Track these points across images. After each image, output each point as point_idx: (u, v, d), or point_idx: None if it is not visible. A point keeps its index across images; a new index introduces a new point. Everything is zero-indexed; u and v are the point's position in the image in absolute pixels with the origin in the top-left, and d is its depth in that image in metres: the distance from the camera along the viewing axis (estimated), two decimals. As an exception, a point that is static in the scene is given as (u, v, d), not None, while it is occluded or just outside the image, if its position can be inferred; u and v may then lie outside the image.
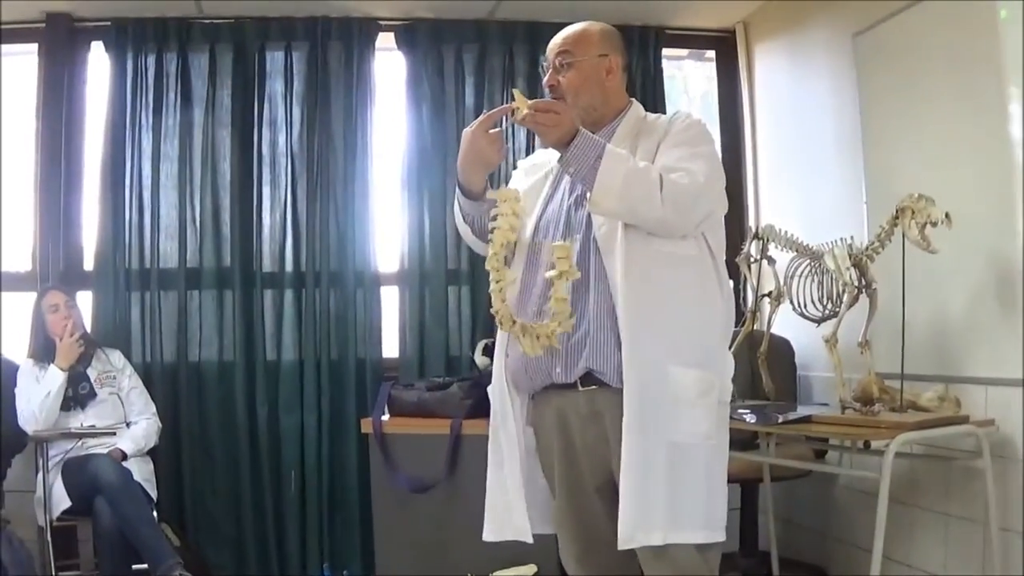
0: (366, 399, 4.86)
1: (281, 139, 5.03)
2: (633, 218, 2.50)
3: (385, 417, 4.36)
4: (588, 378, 2.56)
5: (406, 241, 5.10)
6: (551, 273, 2.48)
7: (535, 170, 2.83)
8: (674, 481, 2.46)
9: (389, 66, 5.22)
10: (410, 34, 5.16)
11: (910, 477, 3.88)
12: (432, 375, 4.81)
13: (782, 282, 3.98)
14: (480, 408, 3.99)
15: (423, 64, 5.15)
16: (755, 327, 4.15)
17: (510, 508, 2.67)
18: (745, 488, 4.61)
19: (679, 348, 2.51)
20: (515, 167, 2.95)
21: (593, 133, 2.56)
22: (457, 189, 2.69)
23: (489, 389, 2.80)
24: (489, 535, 2.72)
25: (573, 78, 2.67)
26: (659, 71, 5.33)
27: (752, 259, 4.13)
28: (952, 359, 3.75)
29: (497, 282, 2.59)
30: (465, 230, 2.80)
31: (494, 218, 2.60)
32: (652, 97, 5.24)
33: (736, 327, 3.35)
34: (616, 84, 2.73)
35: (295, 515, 4.90)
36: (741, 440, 3.68)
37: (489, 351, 4.56)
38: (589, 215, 2.59)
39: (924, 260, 3.49)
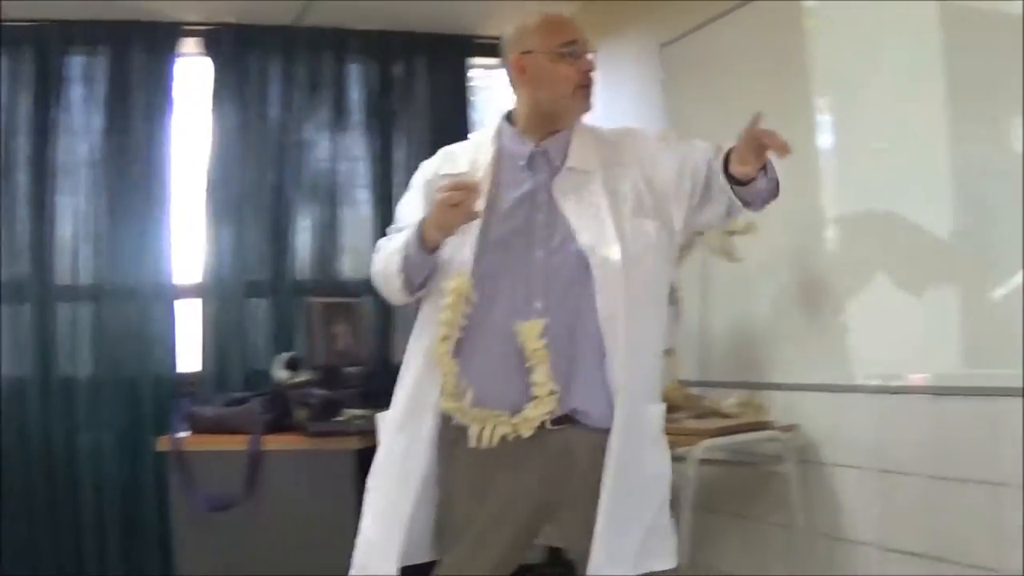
0: (162, 416, 4.58)
1: (80, 147, 4.75)
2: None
3: (183, 434, 4.11)
4: (564, 418, 2.35)
5: (206, 252, 4.88)
6: (530, 364, 2.28)
7: (457, 169, 2.49)
8: (646, 513, 2.37)
9: (194, 72, 4.99)
10: (215, 39, 4.94)
11: (717, 484, 3.85)
12: (231, 390, 4.60)
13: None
14: (280, 423, 3.82)
15: (228, 70, 4.94)
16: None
17: (389, 540, 2.41)
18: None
19: (652, 383, 2.44)
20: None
21: (548, 137, 2.44)
22: (410, 244, 2.36)
23: (399, 399, 2.50)
24: (357, 570, 2.47)
25: None
26: (468, 80, 5.27)
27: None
28: (756, 365, 3.76)
29: (444, 339, 2.32)
30: (396, 282, 2.43)
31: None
32: (460, 106, 5.19)
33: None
34: None
35: (93, 537, 4.62)
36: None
37: (292, 364, 4.37)
38: (566, 227, 2.36)
39: (730, 266, 3.47)
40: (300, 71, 5.02)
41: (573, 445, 2.35)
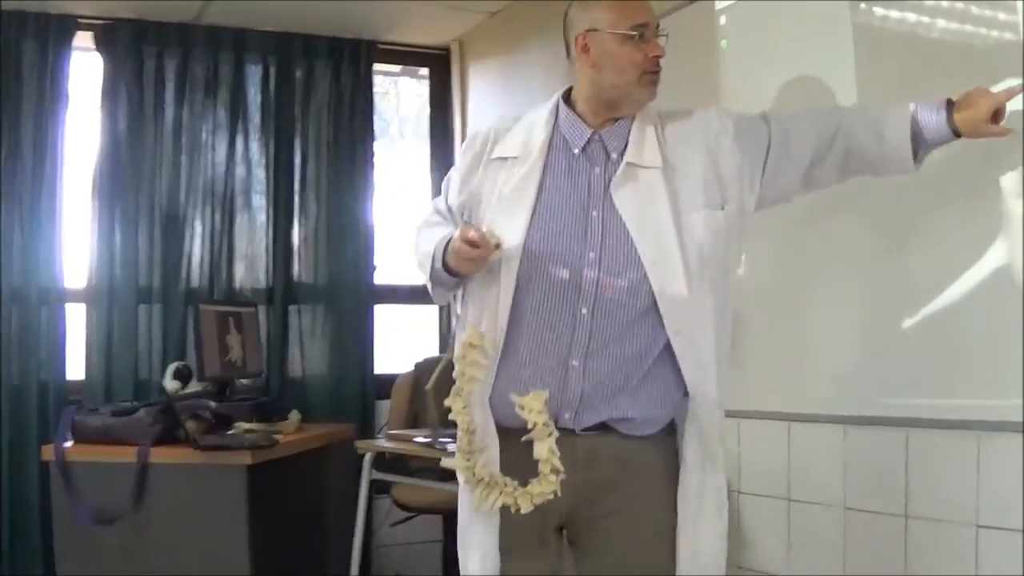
0: (48, 424, 4.45)
1: (-37, 145, 4.53)
2: None
3: (68, 444, 3.93)
4: (598, 424, 2.23)
5: (95, 256, 4.69)
6: (528, 437, 2.08)
7: (506, 165, 2.32)
8: (721, 524, 2.28)
9: (87, 68, 4.79)
10: (110, 34, 4.76)
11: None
12: (119, 399, 4.43)
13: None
14: (169, 435, 3.67)
15: (122, 67, 4.75)
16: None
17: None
18: (446, 519, 4.45)
19: (718, 388, 2.26)
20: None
21: (611, 124, 2.29)
22: (436, 260, 2.29)
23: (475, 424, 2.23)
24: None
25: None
26: (370, 86, 5.18)
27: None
28: None
29: (457, 395, 2.15)
30: (429, 286, 2.39)
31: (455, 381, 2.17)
32: (363, 113, 5.10)
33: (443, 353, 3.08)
34: None
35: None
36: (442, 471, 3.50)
37: (183, 374, 4.23)
38: (623, 230, 2.21)
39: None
40: (197, 70, 4.86)
41: (598, 453, 2.25)
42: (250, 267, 4.91)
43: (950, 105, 2.22)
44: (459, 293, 2.37)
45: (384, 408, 4.89)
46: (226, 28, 4.88)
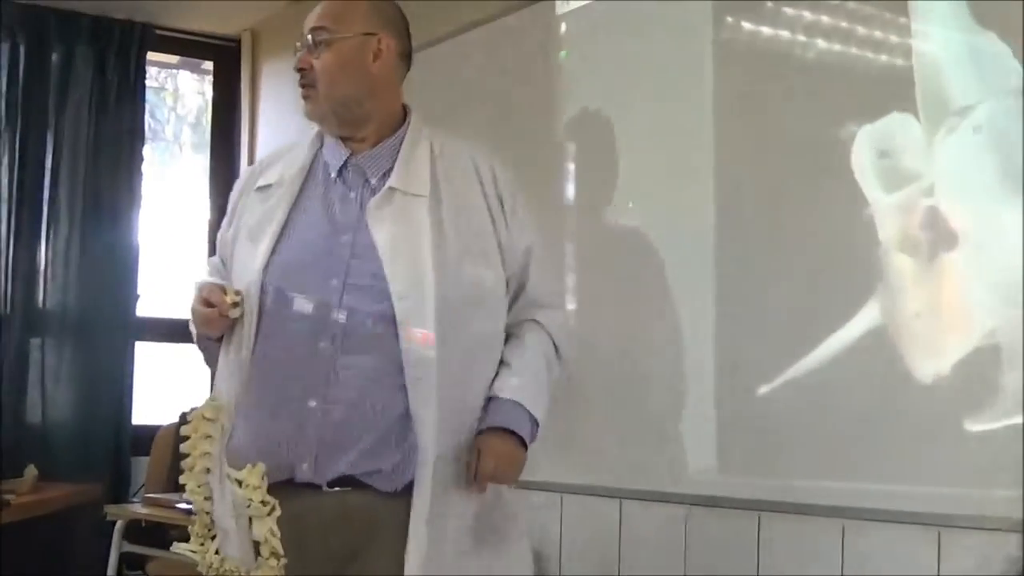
0: None
1: None
2: None
3: None
4: (344, 479, 2.19)
5: None
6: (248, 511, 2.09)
7: (264, 194, 2.34)
8: None
9: None
10: None
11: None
12: None
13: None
14: None
15: None
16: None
17: None
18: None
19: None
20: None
21: (370, 146, 2.28)
22: (198, 335, 2.33)
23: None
24: None
25: (330, 60, 2.26)
26: (141, 78, 5.00)
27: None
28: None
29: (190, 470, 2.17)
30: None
31: (184, 456, 2.19)
32: (131, 110, 4.94)
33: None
34: (388, 74, 2.34)
35: None
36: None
37: None
38: (374, 259, 2.18)
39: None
40: None
41: (358, 510, 2.20)
42: (-16, 287, 4.59)
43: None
44: None
45: (142, 466, 4.72)
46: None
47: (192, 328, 2.32)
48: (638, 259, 3.16)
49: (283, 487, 2.14)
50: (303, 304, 2.19)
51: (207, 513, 2.16)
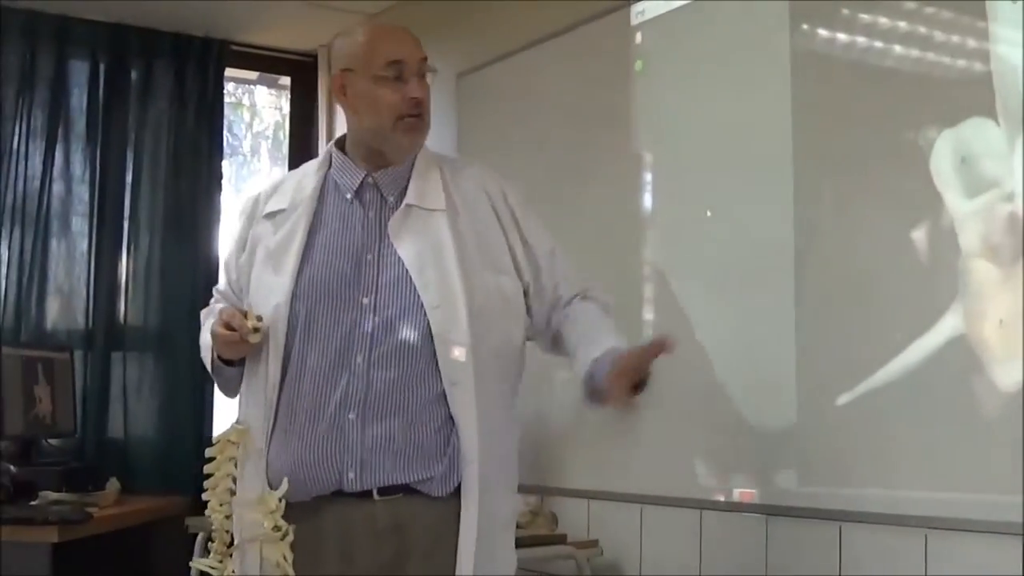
0: None
1: None
2: None
3: None
4: (393, 486, 2.26)
5: None
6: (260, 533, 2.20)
7: (276, 219, 2.41)
8: None
9: None
10: None
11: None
12: None
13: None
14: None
15: None
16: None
17: None
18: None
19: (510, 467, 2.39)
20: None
21: (386, 166, 2.36)
22: (211, 353, 2.40)
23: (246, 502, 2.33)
24: None
25: (429, 92, 2.36)
26: (219, 94, 5.05)
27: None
28: (548, 467, 3.68)
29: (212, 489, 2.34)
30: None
31: (208, 476, 2.33)
32: (210, 125, 4.97)
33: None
34: None
35: None
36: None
37: None
38: (401, 271, 2.28)
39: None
40: (9, 62, 4.67)
41: (402, 518, 2.26)
42: (66, 304, 4.75)
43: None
44: None
45: None
46: (46, 14, 4.70)
47: (206, 354, 2.41)
48: (717, 269, 3.18)
49: (331, 499, 2.24)
50: (334, 321, 2.26)
51: (227, 531, 2.27)
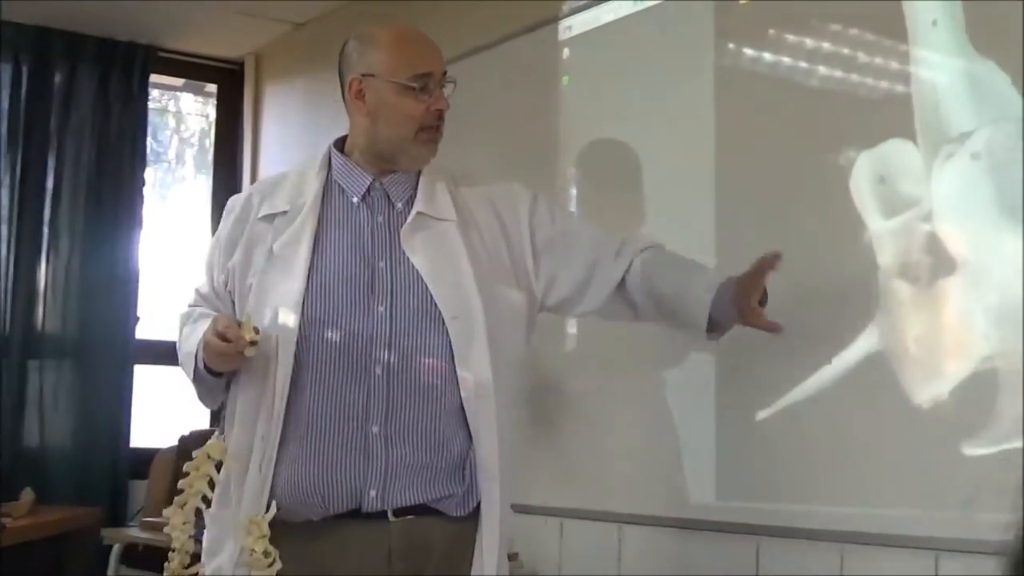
0: None
1: None
2: None
3: None
4: (414, 507, 2.22)
5: None
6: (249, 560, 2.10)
7: (275, 222, 2.32)
8: None
9: None
10: None
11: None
12: None
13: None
14: None
15: None
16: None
17: None
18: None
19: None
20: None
21: (392, 171, 2.32)
22: (197, 361, 2.26)
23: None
24: None
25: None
26: (144, 100, 5.04)
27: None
28: None
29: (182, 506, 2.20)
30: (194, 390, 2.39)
31: (179, 491, 2.21)
32: (134, 132, 4.96)
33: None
34: None
35: None
36: None
37: None
38: (415, 278, 2.24)
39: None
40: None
41: (426, 536, 2.23)
42: (-17, 311, 4.61)
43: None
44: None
45: (140, 489, 4.71)
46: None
47: (188, 361, 2.29)
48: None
49: (342, 519, 2.16)
50: (349, 332, 2.19)
51: (187, 552, 2.16)
